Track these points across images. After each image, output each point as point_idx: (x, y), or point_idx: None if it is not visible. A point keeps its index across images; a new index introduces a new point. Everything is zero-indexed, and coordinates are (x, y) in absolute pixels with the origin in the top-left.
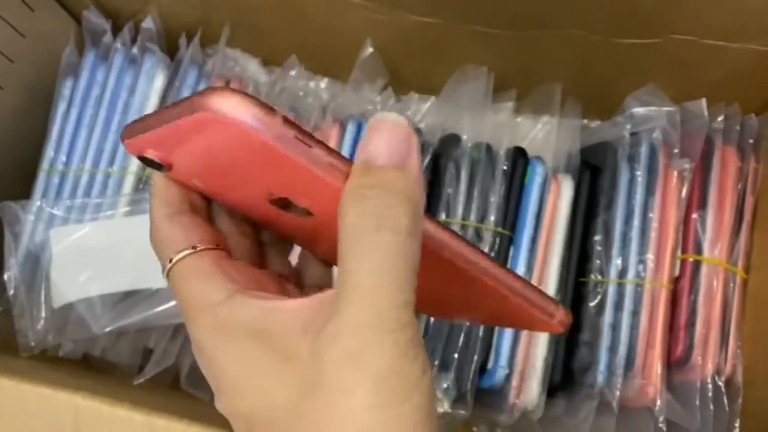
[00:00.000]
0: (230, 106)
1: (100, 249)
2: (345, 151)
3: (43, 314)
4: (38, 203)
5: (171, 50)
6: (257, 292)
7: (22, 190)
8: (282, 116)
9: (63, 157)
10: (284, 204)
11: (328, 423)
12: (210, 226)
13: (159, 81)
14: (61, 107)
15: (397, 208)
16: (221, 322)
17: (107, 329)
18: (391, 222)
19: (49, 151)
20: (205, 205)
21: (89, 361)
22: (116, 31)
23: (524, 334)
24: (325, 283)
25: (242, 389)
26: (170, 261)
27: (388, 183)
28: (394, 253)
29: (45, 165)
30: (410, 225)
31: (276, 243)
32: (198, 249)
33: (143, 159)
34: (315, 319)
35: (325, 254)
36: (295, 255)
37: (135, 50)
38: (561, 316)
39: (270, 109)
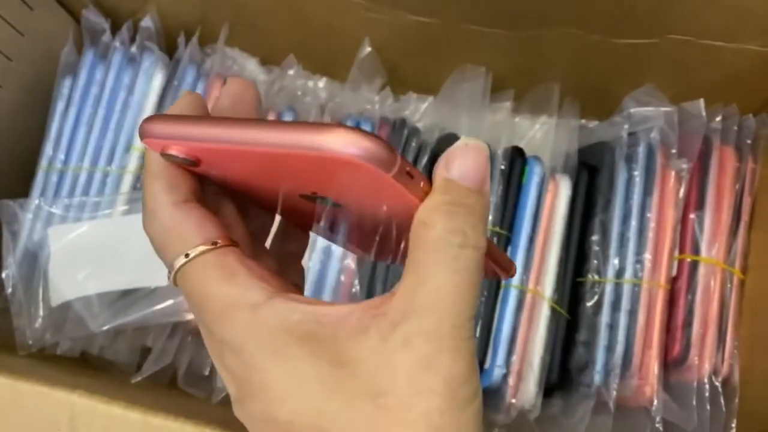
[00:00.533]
0: (356, 147)
1: (98, 247)
2: None
3: (41, 312)
4: (36, 201)
5: (170, 49)
6: (293, 294)
7: (21, 188)
8: (400, 156)
9: (61, 156)
10: (314, 197)
11: (399, 425)
12: (222, 221)
13: (158, 80)
14: (60, 106)
15: (479, 228)
16: (262, 323)
17: (105, 327)
18: (474, 240)
19: (48, 150)
20: (211, 195)
21: (87, 360)
22: (115, 30)
23: (521, 334)
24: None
25: (282, 395)
26: (186, 256)
27: (473, 204)
28: (473, 270)
29: (43, 163)
30: (485, 245)
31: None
32: (218, 245)
33: (165, 155)
34: (375, 324)
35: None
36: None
37: (134, 49)
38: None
39: (389, 145)
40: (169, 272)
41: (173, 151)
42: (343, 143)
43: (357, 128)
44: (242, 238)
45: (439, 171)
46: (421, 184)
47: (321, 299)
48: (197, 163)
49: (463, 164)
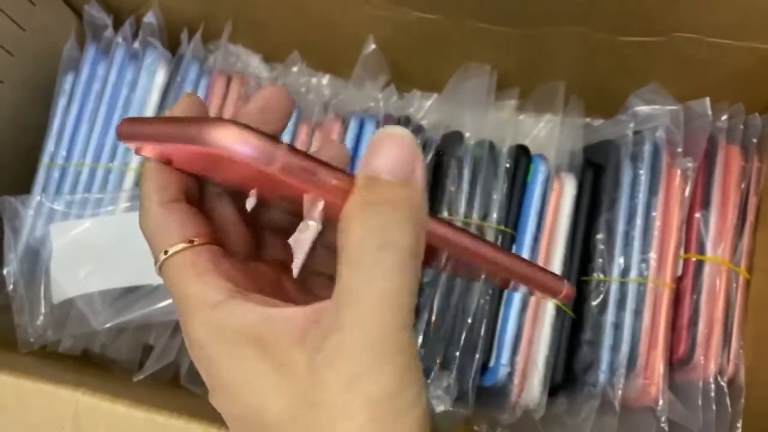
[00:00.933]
0: (233, 140)
1: (100, 245)
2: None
3: (42, 310)
4: (38, 198)
5: (172, 45)
6: (255, 295)
7: (22, 184)
8: (286, 146)
9: (63, 152)
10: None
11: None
12: (206, 219)
13: (160, 76)
14: (62, 102)
15: (401, 227)
16: (218, 323)
17: (107, 325)
18: (394, 241)
19: (50, 146)
20: (198, 193)
21: (89, 357)
22: (117, 25)
23: (526, 333)
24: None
25: (236, 391)
26: (165, 253)
27: (393, 200)
28: (396, 274)
29: (45, 159)
30: (413, 244)
31: (276, 226)
32: (195, 243)
33: (140, 154)
34: (312, 332)
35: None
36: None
37: (136, 45)
38: (567, 291)
39: (274, 141)
40: (155, 268)
41: (145, 152)
42: (221, 137)
43: (242, 124)
44: (241, 237)
45: (361, 167)
46: (335, 182)
47: None
48: (169, 162)
49: (381, 157)
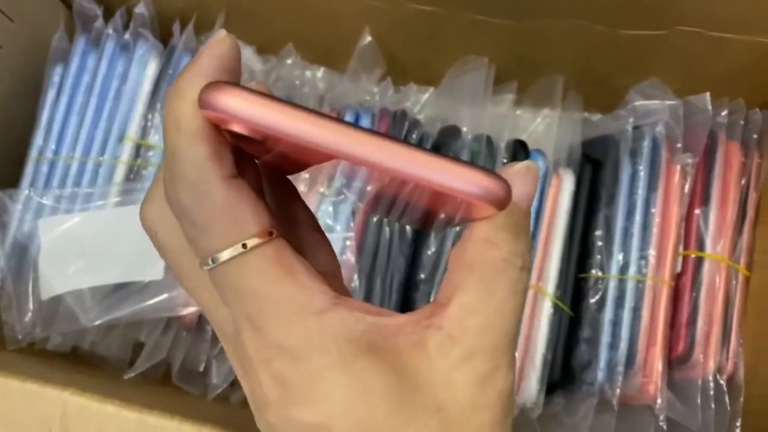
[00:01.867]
0: (485, 191)
1: (90, 240)
2: None
3: (30, 306)
4: (26, 192)
5: (164, 37)
6: (353, 300)
7: (10, 178)
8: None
9: (52, 146)
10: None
11: None
12: (266, 203)
13: (152, 68)
14: (51, 94)
15: (528, 252)
16: (330, 333)
17: (97, 322)
18: (527, 263)
19: (38, 139)
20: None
21: (78, 355)
22: (108, 16)
23: (523, 331)
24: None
25: (348, 407)
26: (244, 247)
27: (526, 228)
28: (525, 292)
29: (34, 153)
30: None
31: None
32: (274, 236)
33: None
34: (432, 337)
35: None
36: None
37: (127, 36)
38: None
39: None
40: (207, 262)
41: (239, 129)
42: (475, 185)
43: (486, 170)
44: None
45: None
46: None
47: None
48: (261, 142)
49: (525, 187)
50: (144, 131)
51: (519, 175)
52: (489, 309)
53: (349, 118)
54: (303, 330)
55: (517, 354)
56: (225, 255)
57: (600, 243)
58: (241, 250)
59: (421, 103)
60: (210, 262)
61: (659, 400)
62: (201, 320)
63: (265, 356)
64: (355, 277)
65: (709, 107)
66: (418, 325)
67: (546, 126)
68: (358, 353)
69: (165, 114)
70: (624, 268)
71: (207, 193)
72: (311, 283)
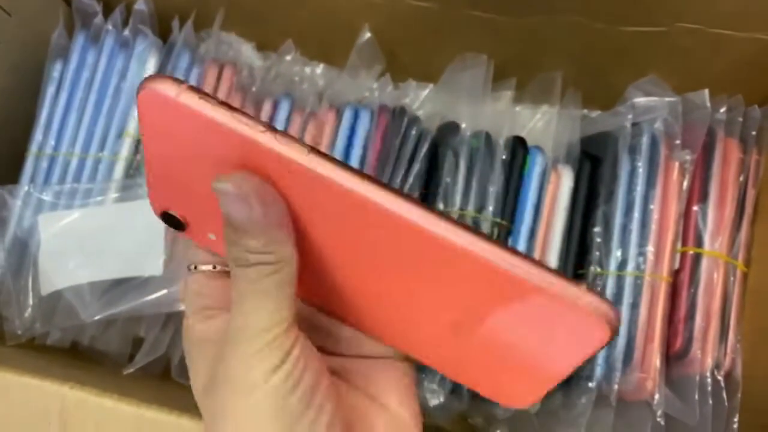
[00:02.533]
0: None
1: (89, 235)
2: (341, 140)
3: (30, 302)
4: (26, 188)
5: (164, 33)
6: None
7: (9, 174)
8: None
9: (52, 141)
10: None
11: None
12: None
13: (151, 64)
14: (50, 90)
15: (239, 245)
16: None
17: (96, 317)
18: (234, 257)
19: (38, 135)
20: None
21: (78, 350)
22: (107, 12)
23: None
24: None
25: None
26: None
27: (232, 236)
28: (247, 282)
29: (33, 149)
30: (246, 258)
31: None
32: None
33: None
34: None
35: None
36: None
37: (126, 32)
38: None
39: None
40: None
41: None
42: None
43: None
44: None
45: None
46: None
47: None
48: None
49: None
50: None
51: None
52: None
53: (348, 114)
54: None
55: None
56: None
57: (598, 239)
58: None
59: (421, 99)
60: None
61: (657, 396)
62: None
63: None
64: None
65: (708, 104)
66: None
67: (545, 122)
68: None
69: None
70: (622, 265)
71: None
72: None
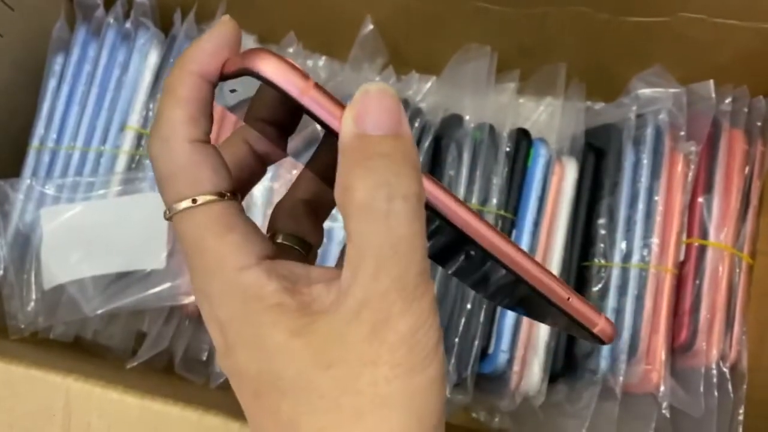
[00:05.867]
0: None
1: (92, 229)
2: None
3: (33, 296)
4: (28, 182)
5: (165, 26)
6: (279, 261)
7: (12, 168)
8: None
9: (54, 135)
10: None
11: (347, 395)
12: (230, 169)
13: (153, 57)
14: (52, 84)
15: (404, 175)
16: (243, 288)
17: (99, 311)
18: (401, 190)
19: (40, 129)
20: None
21: (81, 344)
22: (109, 5)
23: (526, 319)
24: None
25: (252, 358)
26: (193, 201)
27: (390, 151)
28: (409, 221)
29: (35, 142)
30: (419, 191)
31: None
32: (226, 197)
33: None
34: (328, 295)
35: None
36: None
37: (128, 25)
38: (603, 326)
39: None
40: (167, 210)
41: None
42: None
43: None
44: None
45: (347, 128)
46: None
47: None
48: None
49: (369, 113)
50: (145, 120)
51: (358, 103)
52: (366, 257)
53: None
54: (220, 282)
55: (520, 343)
56: (179, 207)
57: (603, 231)
58: (191, 204)
59: (424, 91)
60: (167, 212)
61: (662, 388)
62: None
63: (204, 306)
64: None
65: (713, 95)
66: (327, 284)
67: (549, 114)
68: (260, 309)
69: (165, 78)
70: (627, 257)
71: (173, 149)
72: (243, 241)
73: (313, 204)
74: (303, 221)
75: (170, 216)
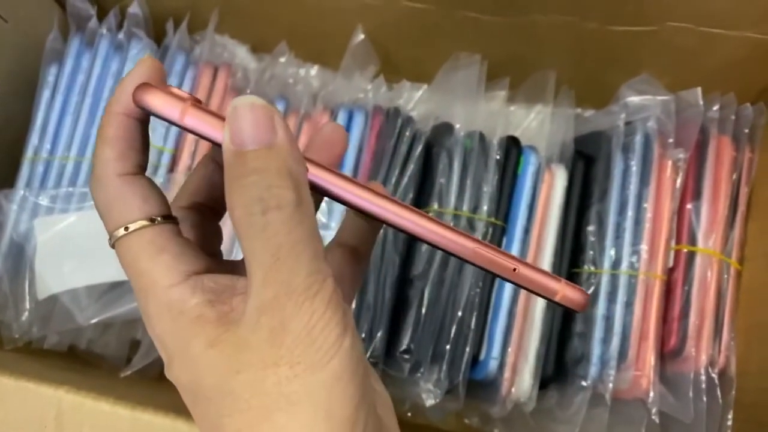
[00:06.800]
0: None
1: (85, 239)
2: None
3: (27, 306)
4: (22, 192)
5: (158, 36)
6: (206, 276)
7: (6, 178)
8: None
9: (47, 145)
10: None
11: (256, 396)
12: (163, 195)
13: None
14: (46, 94)
15: (276, 187)
16: (168, 304)
17: (93, 321)
18: (274, 202)
19: (33, 139)
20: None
21: (75, 354)
22: (102, 16)
23: (517, 326)
24: None
25: (181, 367)
26: (125, 229)
27: (262, 165)
28: (287, 229)
29: (29, 153)
30: (294, 197)
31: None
32: (156, 222)
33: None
34: (239, 305)
35: None
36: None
37: (121, 36)
38: (565, 292)
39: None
40: (109, 239)
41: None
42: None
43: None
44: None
45: (225, 147)
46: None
47: None
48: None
49: (239, 129)
50: None
51: (228, 120)
52: (255, 268)
53: (342, 115)
54: (153, 301)
55: (510, 349)
56: (117, 235)
57: (592, 238)
58: (124, 232)
59: (415, 100)
60: (109, 241)
61: (652, 394)
62: None
63: (146, 326)
64: None
65: (701, 102)
66: (246, 294)
67: (538, 122)
68: (185, 323)
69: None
70: (616, 263)
71: (105, 185)
72: (173, 261)
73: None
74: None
75: (112, 244)
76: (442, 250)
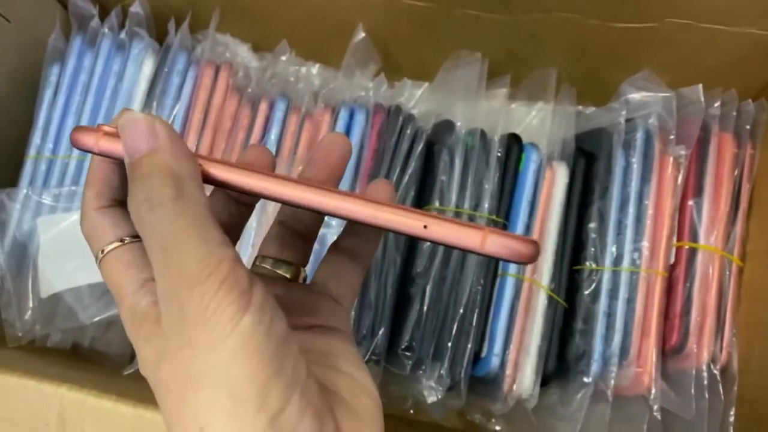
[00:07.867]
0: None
1: None
2: None
3: (30, 304)
4: (25, 191)
5: (160, 35)
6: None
7: (8, 177)
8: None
9: (50, 145)
10: None
11: (175, 381)
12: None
13: (148, 66)
14: (48, 94)
15: (156, 187)
16: (130, 307)
17: (96, 319)
18: (156, 200)
19: (36, 138)
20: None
21: (79, 352)
22: (103, 15)
23: (518, 323)
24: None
25: (141, 364)
26: (102, 252)
27: (144, 172)
28: (170, 221)
29: (32, 152)
30: (173, 193)
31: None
32: (125, 242)
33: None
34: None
35: None
36: None
37: (123, 35)
38: (492, 244)
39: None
40: (96, 262)
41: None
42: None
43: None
44: None
45: (125, 161)
46: None
47: None
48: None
49: (125, 144)
50: None
51: (124, 131)
52: (153, 262)
53: (344, 114)
54: (123, 309)
55: (512, 346)
56: (99, 257)
57: (594, 235)
58: (101, 255)
59: (416, 98)
60: (96, 264)
61: (653, 391)
62: None
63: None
64: None
65: (702, 99)
66: None
67: (540, 119)
68: (136, 323)
69: None
70: (618, 260)
71: (87, 218)
72: (137, 272)
73: (289, 225)
74: (286, 244)
75: (98, 265)
76: (343, 217)
